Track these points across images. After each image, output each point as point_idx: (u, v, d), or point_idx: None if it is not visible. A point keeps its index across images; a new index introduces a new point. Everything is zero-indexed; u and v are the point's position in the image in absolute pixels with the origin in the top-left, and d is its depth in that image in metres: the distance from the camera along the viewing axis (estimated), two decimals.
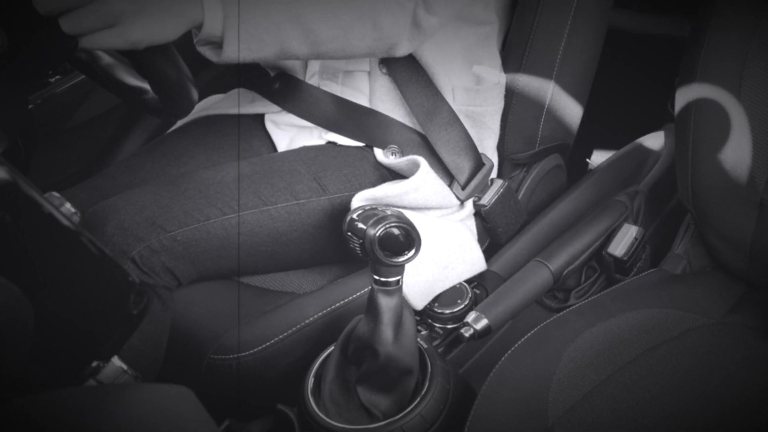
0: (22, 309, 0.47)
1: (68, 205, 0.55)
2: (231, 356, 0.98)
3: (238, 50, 0.85)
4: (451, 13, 0.99)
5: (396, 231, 0.79)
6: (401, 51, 0.98)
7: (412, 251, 0.80)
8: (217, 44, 0.85)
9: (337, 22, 0.89)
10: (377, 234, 0.78)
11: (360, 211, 0.82)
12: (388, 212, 0.80)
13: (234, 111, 1.21)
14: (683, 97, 1.03)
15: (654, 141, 1.31)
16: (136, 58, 0.86)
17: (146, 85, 0.96)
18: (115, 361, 0.58)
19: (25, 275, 0.48)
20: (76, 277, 0.53)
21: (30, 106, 1.21)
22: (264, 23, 0.84)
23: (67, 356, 0.54)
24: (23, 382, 0.50)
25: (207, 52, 0.87)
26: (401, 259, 0.80)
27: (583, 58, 1.17)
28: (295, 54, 0.89)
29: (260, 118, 1.21)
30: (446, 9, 0.97)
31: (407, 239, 0.80)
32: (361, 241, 0.79)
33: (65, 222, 0.51)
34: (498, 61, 1.18)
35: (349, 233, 0.81)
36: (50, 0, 0.72)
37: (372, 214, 0.80)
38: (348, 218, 0.82)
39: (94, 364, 0.55)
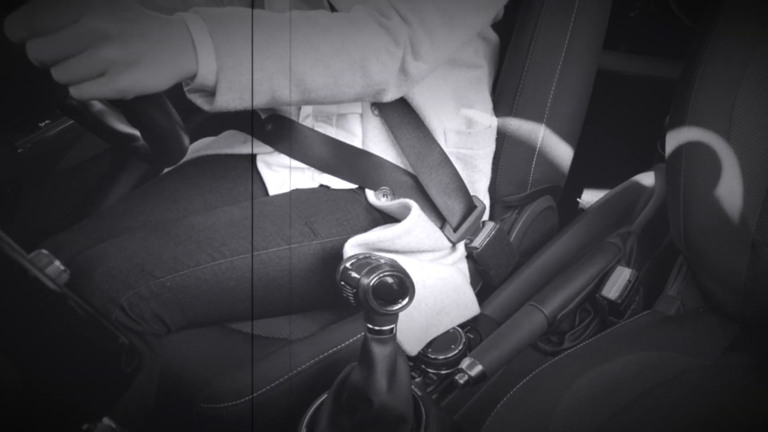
0: (9, 376, 0.45)
1: (57, 263, 0.54)
2: (222, 405, 0.96)
3: (230, 99, 0.84)
4: (439, 60, 0.99)
5: (390, 279, 0.78)
6: (389, 96, 0.99)
7: (406, 299, 0.79)
8: (209, 93, 0.85)
9: (328, 71, 0.90)
10: (371, 283, 0.77)
11: (353, 260, 0.81)
12: (382, 261, 0.80)
13: (227, 151, 1.21)
14: (674, 139, 1.04)
15: (644, 181, 1.32)
16: (126, 107, 0.85)
17: (137, 132, 0.95)
18: (105, 420, 0.56)
19: (11, 342, 0.47)
20: (65, 342, 0.51)
21: (19, 150, 1.21)
22: (257, 74, 0.84)
23: (57, 421, 0.52)
24: None
25: (198, 99, 0.87)
26: (395, 307, 0.79)
27: (573, 101, 1.18)
28: (285, 101, 0.89)
29: (253, 159, 1.21)
30: (434, 56, 0.98)
31: (401, 287, 0.79)
32: (354, 290, 0.79)
33: (51, 286, 0.50)
34: (489, 104, 1.19)
35: (343, 282, 0.80)
36: (42, 51, 0.72)
37: (366, 263, 0.79)
38: (341, 267, 0.81)
39: (85, 426, 0.54)
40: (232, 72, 0.81)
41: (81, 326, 0.52)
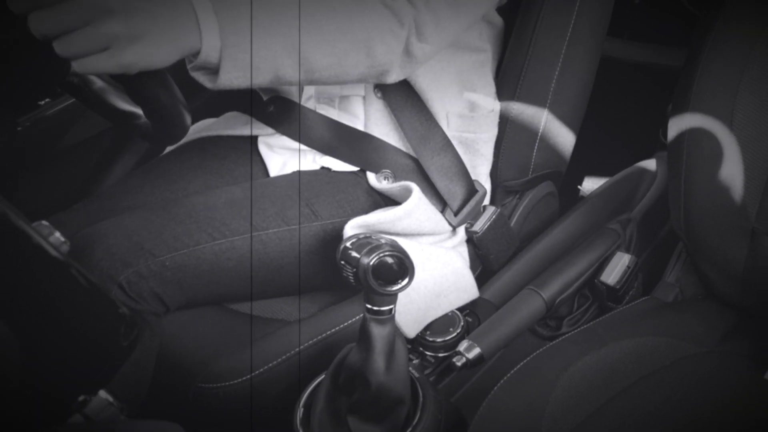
0: (8, 345, 0.45)
1: (57, 234, 0.54)
2: (219, 384, 0.96)
3: (233, 77, 0.84)
4: (443, 42, 0.99)
5: (390, 260, 0.78)
6: (392, 78, 0.98)
7: (406, 280, 0.80)
8: (212, 70, 0.85)
9: (332, 51, 0.89)
10: (371, 263, 0.77)
11: (354, 240, 0.81)
12: (382, 240, 0.80)
13: (228, 133, 1.20)
14: (676, 126, 1.04)
15: (646, 168, 1.32)
16: (129, 83, 0.85)
17: (138, 110, 0.95)
18: (101, 393, 0.56)
19: (12, 309, 0.47)
20: (65, 310, 0.51)
21: (18, 128, 1.20)
22: (261, 52, 0.84)
23: (54, 392, 0.52)
24: (9, 420, 0.48)
25: (201, 77, 0.87)
26: (394, 287, 0.79)
27: (576, 86, 1.18)
28: (288, 81, 0.89)
29: (254, 140, 1.21)
30: (439, 38, 0.97)
31: (401, 268, 0.79)
32: (354, 270, 0.79)
33: (54, 253, 0.50)
34: (492, 88, 1.19)
35: (343, 262, 0.80)
36: (45, 24, 0.72)
37: (366, 242, 0.79)
38: (341, 247, 0.82)
39: (81, 398, 0.54)
40: (236, 49, 0.81)
41: (81, 295, 0.52)
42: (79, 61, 0.74)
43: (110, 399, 0.57)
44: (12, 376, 0.47)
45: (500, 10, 1.19)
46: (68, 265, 0.51)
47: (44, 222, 0.56)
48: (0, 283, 0.47)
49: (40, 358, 0.49)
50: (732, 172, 0.98)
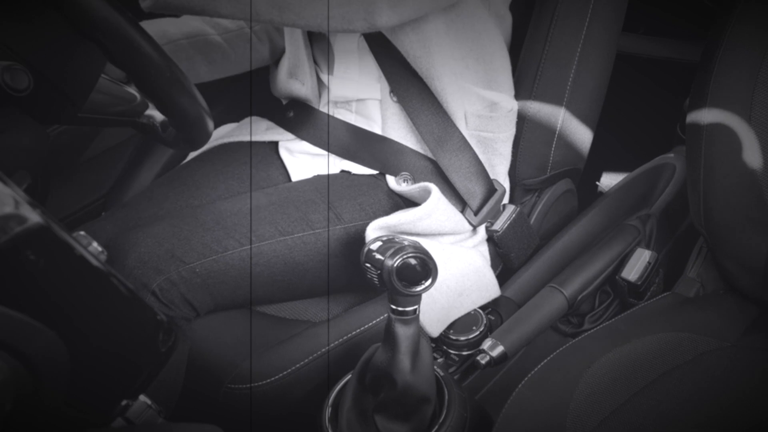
0: (59, 353, 0.48)
1: (95, 244, 0.56)
2: (248, 385, 0.98)
3: None
4: None
5: (413, 261, 0.79)
6: (382, 18, 0.88)
7: (429, 280, 0.81)
8: None
9: None
10: (395, 265, 0.78)
11: (378, 242, 0.83)
12: (405, 242, 0.81)
13: (249, 138, 1.22)
14: (694, 120, 1.04)
15: (664, 164, 1.32)
16: (154, 91, 0.87)
17: (160, 116, 0.97)
18: (142, 397, 0.59)
19: (59, 319, 0.49)
20: (108, 318, 0.53)
21: (50, 139, 1.23)
22: None
23: (99, 397, 0.54)
24: (59, 424, 0.50)
25: (147, 3, 0.80)
26: (418, 288, 0.80)
27: (592, 83, 1.19)
28: (255, 7, 0.79)
29: (275, 145, 1.23)
30: None
31: (424, 269, 0.80)
32: (379, 272, 0.80)
33: (96, 263, 0.52)
34: (511, 88, 1.19)
35: (368, 264, 0.82)
36: None
37: (389, 245, 0.81)
38: (365, 249, 0.83)
39: (124, 402, 0.56)
40: None
41: (122, 304, 0.54)
42: None
43: (149, 402, 0.59)
44: (61, 382, 0.49)
45: (514, 8, 1.19)
46: (109, 275, 0.54)
47: (82, 233, 0.58)
48: (47, 294, 0.49)
49: (86, 365, 0.52)
50: (751, 166, 0.99)
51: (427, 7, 0.95)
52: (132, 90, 0.97)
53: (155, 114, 0.97)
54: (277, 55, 1.30)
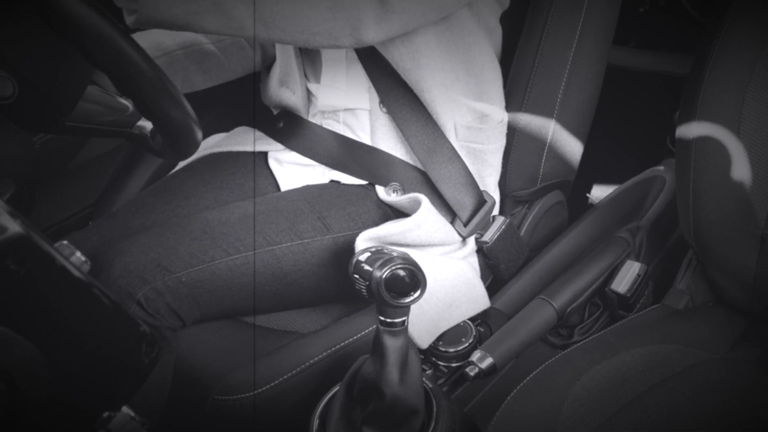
0: (38, 365, 0.47)
1: (78, 254, 0.55)
2: (235, 396, 0.98)
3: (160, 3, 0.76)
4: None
5: (402, 272, 0.79)
6: (369, 34, 0.88)
7: (418, 292, 0.80)
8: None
9: None
10: (383, 276, 0.78)
11: (366, 253, 0.82)
12: (394, 254, 0.81)
13: (238, 149, 1.22)
14: (683, 133, 1.04)
15: (654, 176, 1.32)
16: (141, 100, 0.86)
17: (149, 125, 0.97)
18: (124, 409, 0.58)
19: (39, 330, 0.48)
20: (89, 330, 0.53)
21: (36, 146, 1.22)
22: None
23: (80, 408, 0.53)
24: None
25: (131, 20, 0.80)
26: (407, 300, 0.80)
27: (583, 96, 1.19)
28: (234, 15, 0.79)
29: (264, 156, 1.22)
30: None
31: (413, 280, 0.80)
32: (367, 283, 0.80)
33: (77, 274, 0.51)
34: (501, 99, 1.19)
35: (356, 275, 0.81)
36: None
37: (378, 256, 0.81)
38: (354, 260, 0.83)
39: (105, 414, 0.55)
40: None
41: (104, 315, 0.53)
42: None
43: (132, 414, 0.58)
44: (40, 394, 0.48)
45: (505, 20, 1.20)
46: (91, 285, 0.53)
47: (65, 242, 0.57)
48: (27, 305, 0.48)
49: (67, 377, 0.51)
50: (740, 178, 0.99)
51: (415, 22, 0.95)
52: (124, 100, 0.97)
53: (147, 125, 0.96)
54: (269, 61, 1.30)
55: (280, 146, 1.19)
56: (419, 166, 1.12)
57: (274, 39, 0.87)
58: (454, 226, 1.11)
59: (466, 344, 1.06)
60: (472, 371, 1.00)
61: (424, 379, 0.89)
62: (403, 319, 0.82)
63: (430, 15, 0.96)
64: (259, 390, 0.98)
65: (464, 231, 1.12)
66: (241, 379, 0.99)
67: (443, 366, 1.07)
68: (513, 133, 1.19)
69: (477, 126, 1.13)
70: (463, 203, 1.11)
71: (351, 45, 0.90)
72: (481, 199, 1.14)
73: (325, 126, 1.16)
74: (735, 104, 0.99)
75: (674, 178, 1.09)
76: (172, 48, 1.16)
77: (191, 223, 1.01)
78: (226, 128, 1.31)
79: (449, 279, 1.07)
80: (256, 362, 1.00)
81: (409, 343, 0.86)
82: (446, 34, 1.06)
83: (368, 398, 0.87)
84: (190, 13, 0.80)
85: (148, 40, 1.15)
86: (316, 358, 1.01)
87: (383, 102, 1.10)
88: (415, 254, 1.03)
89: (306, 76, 1.17)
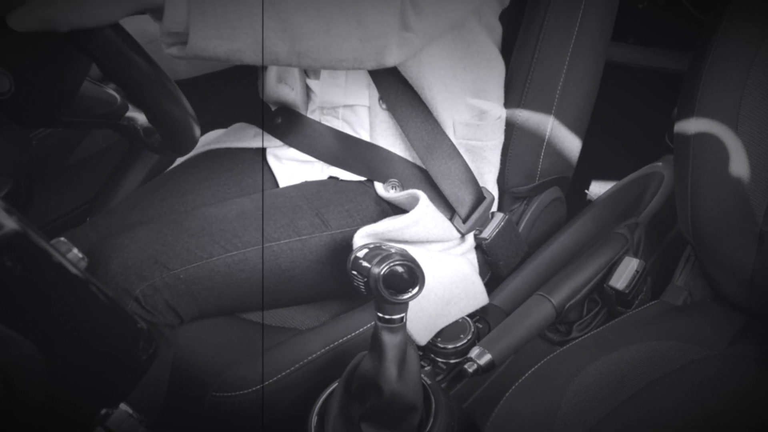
0: (35, 363, 0.47)
1: (75, 251, 0.55)
2: (233, 393, 0.98)
3: (206, 37, 0.78)
4: (442, 19, 0.94)
5: (400, 269, 0.79)
6: (391, 58, 0.92)
7: (416, 288, 0.80)
8: (183, 37, 0.80)
9: (317, 14, 0.84)
10: (381, 272, 0.78)
11: (364, 250, 0.82)
12: (392, 250, 0.81)
13: (237, 145, 1.22)
14: (681, 130, 1.04)
15: (652, 173, 1.32)
16: (139, 96, 0.86)
17: (141, 118, 0.96)
18: (122, 406, 0.58)
19: (36, 328, 0.48)
20: (86, 327, 0.52)
21: (33, 143, 1.22)
22: (232, 4, 0.78)
23: (77, 406, 0.53)
24: None
25: (175, 51, 0.82)
26: (405, 296, 0.80)
27: (581, 92, 1.19)
28: (273, 51, 0.83)
29: (262, 152, 1.22)
30: (435, 11, 0.92)
31: (411, 276, 0.80)
32: (365, 279, 0.80)
33: (74, 271, 0.51)
34: (500, 96, 1.19)
35: (354, 272, 0.81)
36: None
37: (376, 252, 0.80)
38: (352, 257, 0.83)
39: (103, 411, 0.55)
40: (206, 1, 0.76)
41: (101, 311, 0.53)
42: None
43: (130, 411, 0.58)
44: (37, 391, 0.48)
45: (503, 17, 1.20)
46: (88, 282, 0.53)
47: (62, 239, 0.57)
48: (24, 302, 0.48)
49: (64, 374, 0.51)
50: (738, 175, 0.99)
51: (430, 40, 0.97)
52: (111, 91, 0.96)
53: (136, 116, 0.96)
54: None
55: (278, 142, 1.19)
56: (418, 162, 1.12)
57: (305, 66, 0.91)
58: (452, 223, 1.11)
59: (465, 341, 1.06)
60: (470, 368, 1.00)
61: (422, 375, 0.89)
62: (402, 315, 0.82)
63: (445, 31, 0.99)
64: (257, 387, 0.98)
65: (463, 227, 1.12)
66: (239, 375, 0.99)
67: (442, 362, 1.07)
68: (511, 129, 1.19)
69: (475, 123, 1.13)
70: (462, 200, 1.11)
71: (372, 67, 0.95)
72: (480, 196, 1.13)
73: (324, 122, 1.15)
74: (733, 101, 0.99)
75: (672, 174, 1.10)
76: (157, 36, 1.16)
77: (189, 219, 1.00)
78: (224, 125, 1.31)
79: (448, 275, 1.07)
80: (255, 359, 1.00)
81: (408, 339, 0.86)
82: (447, 33, 1.06)
83: (366, 395, 0.87)
84: (235, 51, 0.83)
85: (134, 27, 1.14)
86: (314, 355, 1.01)
87: (383, 99, 1.10)
88: (413, 251, 1.03)
89: (305, 72, 1.17)
